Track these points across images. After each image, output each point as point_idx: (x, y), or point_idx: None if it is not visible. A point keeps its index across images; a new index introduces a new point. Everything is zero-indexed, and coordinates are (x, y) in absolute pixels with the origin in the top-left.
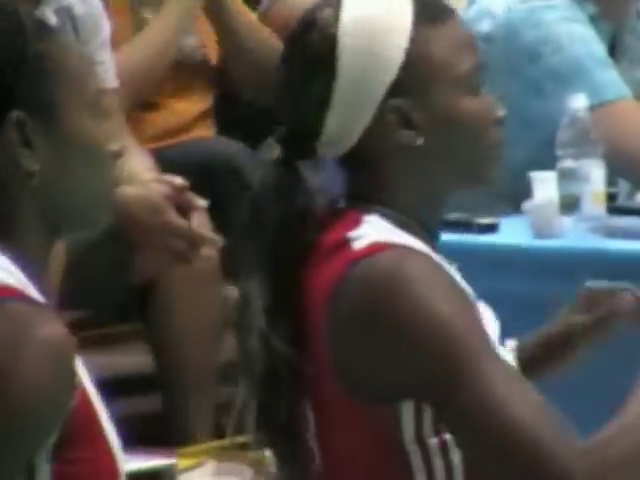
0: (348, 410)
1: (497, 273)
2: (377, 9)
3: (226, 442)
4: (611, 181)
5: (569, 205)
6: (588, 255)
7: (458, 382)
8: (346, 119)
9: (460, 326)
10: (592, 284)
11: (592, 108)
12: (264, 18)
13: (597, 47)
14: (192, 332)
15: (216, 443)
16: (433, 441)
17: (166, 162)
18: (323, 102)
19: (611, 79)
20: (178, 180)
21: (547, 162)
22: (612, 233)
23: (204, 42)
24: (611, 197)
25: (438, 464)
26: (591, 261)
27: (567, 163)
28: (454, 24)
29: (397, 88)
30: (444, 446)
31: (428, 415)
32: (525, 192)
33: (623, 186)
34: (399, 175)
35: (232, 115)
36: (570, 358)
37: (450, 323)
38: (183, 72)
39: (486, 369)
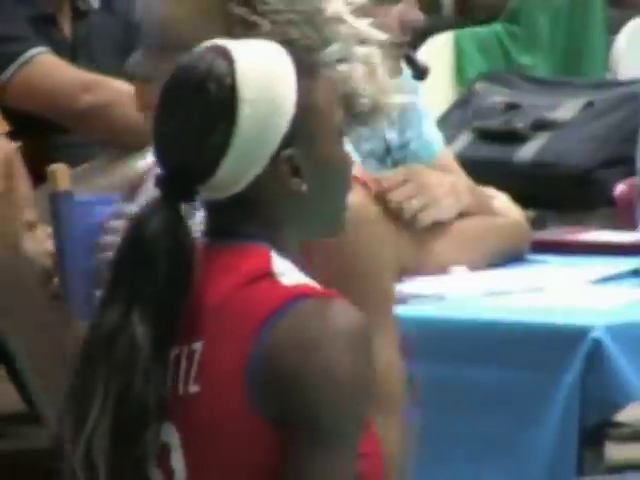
0: (255, 429)
1: None
2: (267, 61)
3: None
4: None
5: None
6: None
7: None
8: (240, 166)
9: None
10: None
11: None
12: (4, 88)
13: None
14: None
15: None
16: None
17: None
18: (221, 149)
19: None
20: None
21: None
22: None
23: None
24: None
25: None
26: None
27: None
28: (324, 76)
29: (289, 138)
30: None
31: None
32: None
33: None
34: (280, 218)
35: None
36: None
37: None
38: None
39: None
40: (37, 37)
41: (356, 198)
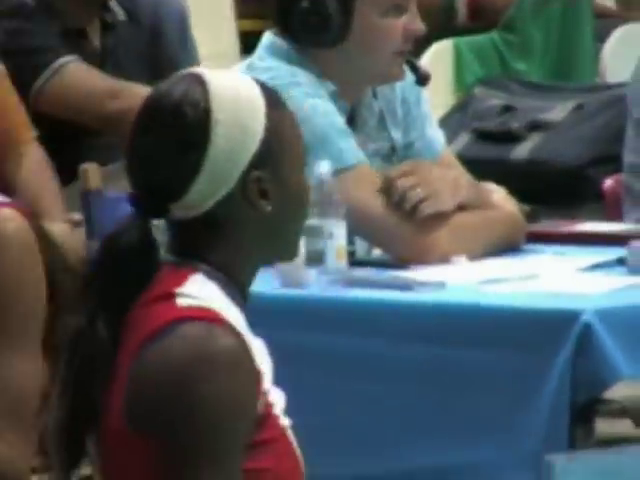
0: (133, 443)
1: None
2: (238, 87)
3: None
4: (350, 240)
5: (314, 259)
6: (329, 303)
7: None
8: (212, 186)
9: (224, 436)
10: None
11: (335, 172)
12: (38, 96)
13: (337, 119)
14: None
15: None
16: None
17: None
18: (194, 170)
19: (350, 146)
20: None
21: None
22: (351, 283)
23: None
24: (350, 254)
25: None
26: (332, 308)
27: (313, 221)
28: (289, 110)
29: (257, 160)
30: None
31: None
32: None
33: (360, 244)
34: (238, 239)
35: None
36: None
37: (220, 429)
38: None
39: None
40: (68, 49)
41: (14, 224)
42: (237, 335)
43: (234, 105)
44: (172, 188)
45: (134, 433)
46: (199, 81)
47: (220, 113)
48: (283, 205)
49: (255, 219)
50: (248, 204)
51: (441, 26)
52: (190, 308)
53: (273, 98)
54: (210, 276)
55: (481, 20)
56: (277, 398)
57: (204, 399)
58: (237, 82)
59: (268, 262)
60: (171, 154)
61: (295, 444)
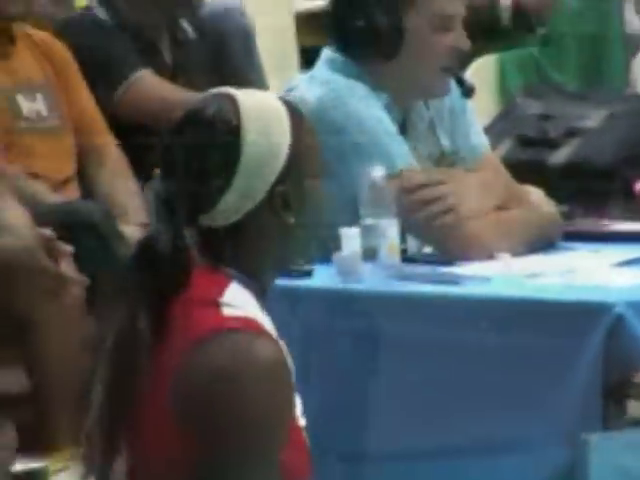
0: (173, 434)
1: (310, 312)
2: (270, 108)
3: None
4: (402, 238)
5: (370, 255)
6: (384, 296)
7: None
8: (240, 201)
9: (261, 443)
10: None
11: (387, 176)
12: (117, 105)
13: (390, 126)
14: (61, 356)
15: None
16: None
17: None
18: (223, 186)
19: (402, 152)
20: (48, 232)
21: (352, 219)
22: (404, 277)
23: (56, 106)
24: (403, 251)
25: None
26: (387, 301)
27: (368, 221)
28: (308, 122)
29: (283, 175)
30: None
31: None
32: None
33: (411, 242)
34: (262, 246)
35: None
36: None
37: (256, 438)
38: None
39: None
40: (142, 61)
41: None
42: (276, 345)
43: (263, 127)
44: (202, 202)
45: (180, 429)
46: (231, 100)
47: (251, 134)
48: (302, 212)
49: (278, 226)
50: (273, 215)
51: (485, 28)
52: (237, 318)
53: (296, 114)
54: (242, 283)
55: (523, 24)
56: (297, 401)
57: (249, 405)
58: (266, 102)
59: (285, 265)
60: (202, 170)
61: (307, 443)
